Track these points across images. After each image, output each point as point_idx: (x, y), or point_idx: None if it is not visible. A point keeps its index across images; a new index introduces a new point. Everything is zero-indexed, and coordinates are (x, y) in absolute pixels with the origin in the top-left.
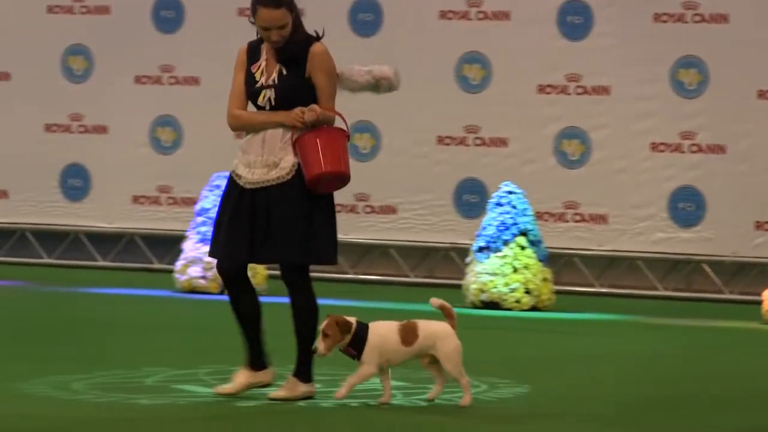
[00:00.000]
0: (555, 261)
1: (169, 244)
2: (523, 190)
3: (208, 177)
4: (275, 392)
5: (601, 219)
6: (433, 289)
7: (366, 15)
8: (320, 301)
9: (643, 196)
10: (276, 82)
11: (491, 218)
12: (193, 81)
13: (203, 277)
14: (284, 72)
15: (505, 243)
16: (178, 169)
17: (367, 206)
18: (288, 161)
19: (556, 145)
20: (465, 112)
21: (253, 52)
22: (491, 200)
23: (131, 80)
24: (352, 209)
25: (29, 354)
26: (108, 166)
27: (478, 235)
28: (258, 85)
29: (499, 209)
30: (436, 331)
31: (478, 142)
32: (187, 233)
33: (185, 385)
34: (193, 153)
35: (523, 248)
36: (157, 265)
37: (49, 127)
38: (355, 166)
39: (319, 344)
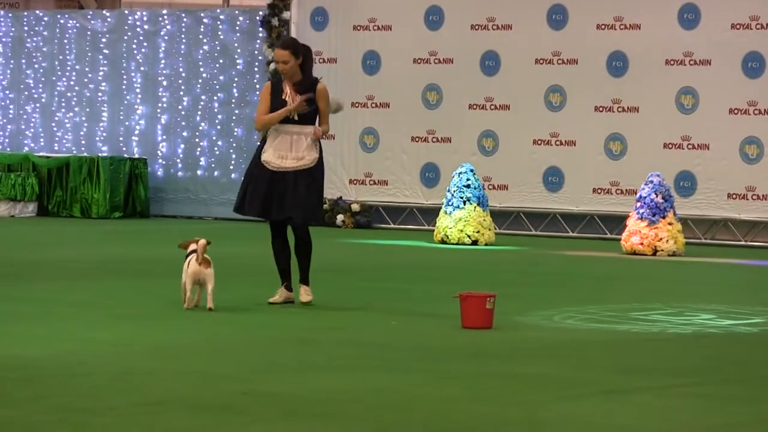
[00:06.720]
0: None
1: (616, 221)
2: None
3: (645, 175)
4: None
5: None
6: None
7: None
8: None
9: None
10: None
11: None
12: (635, 110)
13: (641, 243)
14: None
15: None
16: (624, 169)
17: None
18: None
19: None
20: None
21: (276, 86)
22: None
23: (591, 110)
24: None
25: (522, 294)
26: (576, 167)
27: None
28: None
29: None
30: None
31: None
32: (630, 213)
33: (652, 314)
34: (635, 158)
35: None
36: (608, 236)
37: (535, 141)
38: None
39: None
